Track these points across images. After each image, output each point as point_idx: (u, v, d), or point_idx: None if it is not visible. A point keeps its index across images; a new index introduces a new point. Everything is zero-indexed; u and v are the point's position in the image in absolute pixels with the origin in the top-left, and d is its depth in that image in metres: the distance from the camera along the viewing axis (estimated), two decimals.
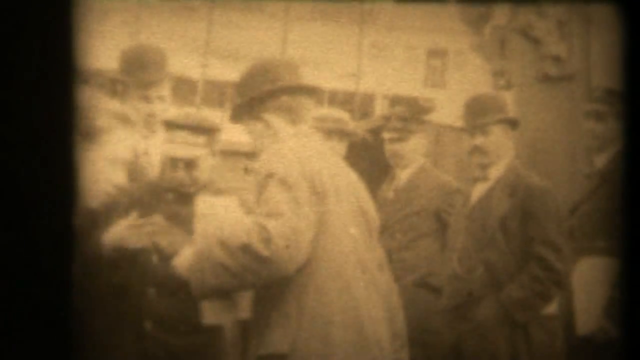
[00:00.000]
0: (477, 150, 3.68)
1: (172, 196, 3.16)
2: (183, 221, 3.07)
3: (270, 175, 2.61)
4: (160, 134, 3.26)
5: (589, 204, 3.78)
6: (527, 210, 3.58)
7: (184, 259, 2.64)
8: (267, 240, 2.50)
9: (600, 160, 4.12)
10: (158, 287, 3.06)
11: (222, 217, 2.68)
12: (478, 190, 3.72)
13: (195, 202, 2.74)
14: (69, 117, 1.85)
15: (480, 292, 3.58)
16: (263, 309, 2.64)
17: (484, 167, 3.69)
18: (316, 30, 12.55)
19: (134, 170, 3.34)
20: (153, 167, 3.47)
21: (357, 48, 11.99)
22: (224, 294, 2.66)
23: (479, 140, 3.68)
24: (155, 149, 3.50)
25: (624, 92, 1.96)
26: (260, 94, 2.81)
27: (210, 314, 2.70)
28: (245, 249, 2.50)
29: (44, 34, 1.85)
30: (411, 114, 4.22)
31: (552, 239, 3.54)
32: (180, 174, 3.14)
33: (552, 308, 3.59)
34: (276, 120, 2.82)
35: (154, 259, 3.04)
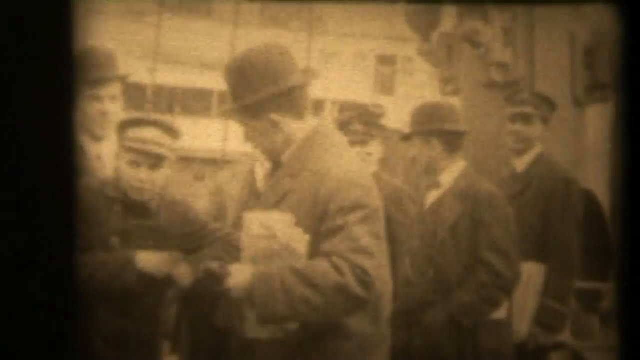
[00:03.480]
0: (416, 161, 3.72)
1: (120, 207, 3.05)
2: (133, 237, 3.01)
3: (358, 208, 2.50)
4: (125, 133, 3.06)
5: (512, 209, 3.79)
6: (476, 215, 3.58)
7: (243, 280, 2.46)
8: (367, 283, 2.43)
9: (521, 164, 4.19)
10: (107, 304, 2.96)
11: (282, 238, 2.49)
12: (432, 196, 3.74)
13: (245, 221, 2.52)
14: (68, 116, 1.82)
15: (430, 297, 3.61)
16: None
17: (431, 173, 3.71)
18: (265, 36, 12.54)
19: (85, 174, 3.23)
20: (105, 170, 3.37)
21: (307, 54, 12.00)
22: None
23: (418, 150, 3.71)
24: (108, 153, 3.36)
25: (622, 92, 1.97)
26: (264, 98, 2.58)
27: (255, 327, 2.51)
28: (341, 289, 2.42)
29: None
30: (370, 119, 4.23)
31: (499, 245, 3.56)
32: (142, 174, 2.99)
33: (501, 313, 3.61)
34: (282, 120, 2.61)
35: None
